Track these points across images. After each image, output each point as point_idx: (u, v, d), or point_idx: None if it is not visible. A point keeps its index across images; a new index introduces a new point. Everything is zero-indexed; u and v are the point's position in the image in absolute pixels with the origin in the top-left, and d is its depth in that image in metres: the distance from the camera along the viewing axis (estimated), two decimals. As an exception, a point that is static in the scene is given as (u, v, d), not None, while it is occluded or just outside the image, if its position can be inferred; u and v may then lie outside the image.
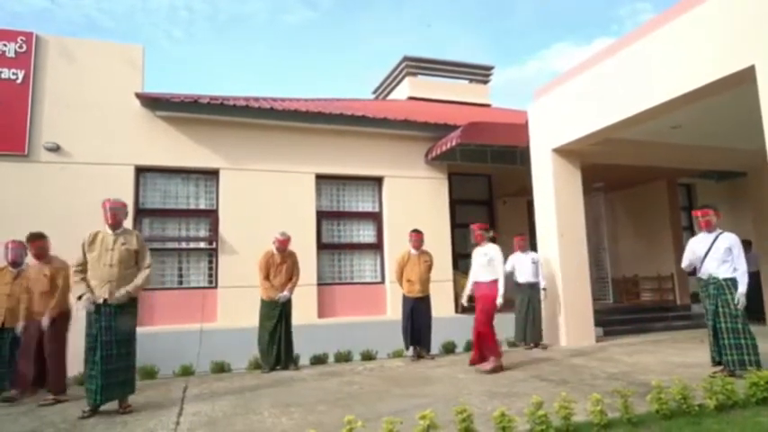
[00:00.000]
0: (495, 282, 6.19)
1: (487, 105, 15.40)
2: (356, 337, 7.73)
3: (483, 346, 6.25)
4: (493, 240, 6.58)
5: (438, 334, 7.45)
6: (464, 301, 6.65)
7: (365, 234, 9.14)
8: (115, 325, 4.71)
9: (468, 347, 7.91)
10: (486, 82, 16.04)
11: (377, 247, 9.07)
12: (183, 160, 8.01)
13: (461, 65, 15.88)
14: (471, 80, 15.93)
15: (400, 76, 15.29)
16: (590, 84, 7.33)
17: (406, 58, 15.00)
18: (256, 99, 9.16)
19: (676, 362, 6.32)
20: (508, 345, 8.06)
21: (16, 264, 5.75)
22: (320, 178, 8.77)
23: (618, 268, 12.05)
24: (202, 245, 8.15)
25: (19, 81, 7.45)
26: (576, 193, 8.22)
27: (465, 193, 11.01)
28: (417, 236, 7.39)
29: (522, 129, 8.77)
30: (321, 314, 8.25)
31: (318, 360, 7.29)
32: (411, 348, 7.28)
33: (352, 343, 7.62)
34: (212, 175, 8.23)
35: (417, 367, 6.71)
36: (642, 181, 11.30)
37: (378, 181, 9.23)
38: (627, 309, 10.72)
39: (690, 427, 3.60)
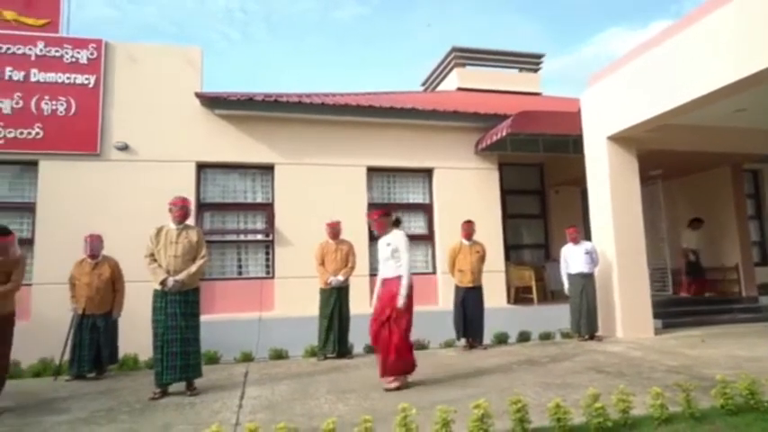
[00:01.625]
0: (401, 279, 5.07)
1: (538, 94, 15.09)
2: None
3: (396, 357, 5.01)
4: (396, 224, 5.41)
5: (490, 324, 7.46)
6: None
7: (416, 225, 9.22)
8: (179, 312, 5.04)
9: (521, 338, 7.89)
10: (536, 70, 15.71)
11: (428, 238, 9.13)
12: (240, 156, 8.33)
13: (511, 54, 15.60)
14: (521, 69, 15.64)
15: (449, 68, 15.19)
16: (647, 68, 7.08)
17: (454, 49, 14.89)
18: (309, 95, 9.38)
19: (743, 356, 6.07)
20: (562, 336, 7.97)
21: (94, 256, 6.21)
22: (371, 171, 8.91)
23: (677, 259, 11.60)
24: (259, 237, 8.47)
25: (91, 85, 7.96)
26: (632, 181, 7.98)
27: (516, 183, 10.90)
28: (469, 226, 7.41)
29: (575, 116, 8.58)
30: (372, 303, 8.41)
31: (371, 349, 7.44)
32: (463, 338, 7.34)
33: (405, 332, 7.73)
34: (268, 169, 8.52)
35: (469, 357, 6.76)
36: (704, 167, 10.79)
37: (428, 173, 9.28)
38: (688, 301, 10.32)
39: (759, 424, 3.46)
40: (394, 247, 5.17)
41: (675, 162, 9.88)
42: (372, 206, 5.34)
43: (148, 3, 74.26)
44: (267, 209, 8.46)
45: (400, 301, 5.03)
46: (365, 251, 8.36)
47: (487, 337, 7.52)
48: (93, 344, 6.03)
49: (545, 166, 11.33)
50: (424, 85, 17.11)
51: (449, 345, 7.62)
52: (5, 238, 4.81)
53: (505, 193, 9.96)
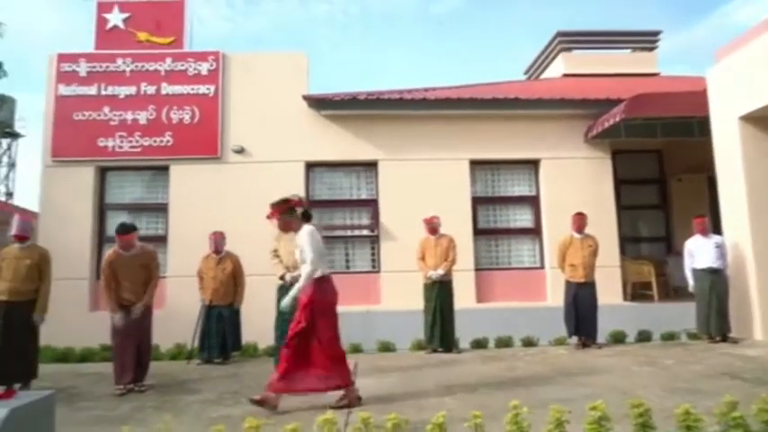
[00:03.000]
0: (321, 279, 4.29)
1: (655, 74, 13.90)
2: (516, 323, 7.65)
3: (329, 370, 4.27)
4: (306, 218, 4.56)
5: (604, 322, 7.05)
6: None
7: (522, 219, 8.95)
8: (296, 305, 5.33)
9: (640, 337, 7.37)
10: (652, 49, 14.47)
11: (535, 231, 8.82)
12: (345, 154, 8.61)
13: (622, 33, 14.50)
14: (634, 49, 14.50)
15: (553, 54, 14.49)
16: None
17: (559, 34, 14.16)
18: (410, 91, 9.45)
19: None
20: (688, 337, 7.33)
21: (218, 251, 6.78)
22: (474, 164, 8.77)
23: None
24: (365, 232, 8.70)
25: (211, 94, 8.65)
26: (771, 165, 7.10)
27: (632, 172, 10.16)
28: (580, 218, 7.06)
29: (699, 96, 7.79)
30: (480, 299, 8.31)
31: (478, 344, 7.38)
32: (575, 336, 7.01)
33: (512, 328, 7.57)
34: (372, 166, 8.72)
35: (582, 356, 6.45)
36: None
37: (534, 164, 8.95)
38: None
39: None
40: (300, 247, 4.35)
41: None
42: (274, 205, 4.68)
43: (258, 15, 79.06)
44: (372, 205, 8.66)
45: (286, 301, 4.29)
46: (469, 245, 8.26)
47: (602, 336, 7.11)
48: (220, 332, 6.60)
49: (664, 153, 10.44)
50: (526, 73, 16.49)
51: (559, 342, 7.32)
52: (127, 235, 5.27)
53: (620, 182, 9.33)
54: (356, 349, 7.33)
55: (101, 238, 8.52)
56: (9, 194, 26.32)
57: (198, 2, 10.21)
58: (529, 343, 7.42)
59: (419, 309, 7.10)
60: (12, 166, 26.58)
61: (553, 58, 14.54)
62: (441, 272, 6.88)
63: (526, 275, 8.63)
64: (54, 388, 3.98)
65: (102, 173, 8.66)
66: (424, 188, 8.41)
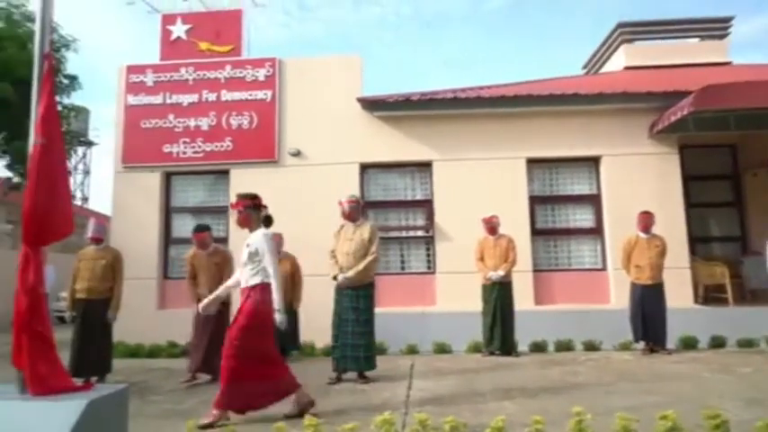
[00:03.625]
0: (264, 287, 4.07)
1: (727, 63, 13.09)
2: (576, 326, 7.41)
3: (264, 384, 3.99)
4: (267, 223, 4.38)
5: (673, 327, 6.70)
6: (200, 308, 4.61)
7: (582, 218, 8.64)
8: (352, 306, 5.40)
9: (714, 343, 6.96)
10: (722, 37, 13.63)
11: (596, 231, 8.49)
12: (399, 155, 8.62)
13: (689, 21, 13.72)
14: (703, 37, 13.70)
15: (614, 46, 13.92)
16: None
17: (620, 25, 13.59)
18: (463, 90, 9.34)
19: None
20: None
21: (277, 252, 6.94)
22: (531, 162, 8.55)
23: None
24: (420, 233, 8.67)
25: (268, 100, 8.89)
26: None
27: (702, 168, 9.61)
28: (646, 217, 6.75)
29: (780, 85, 7.26)
30: (538, 301, 8.09)
31: (537, 347, 7.20)
32: (641, 341, 6.70)
33: (573, 332, 7.34)
34: (426, 167, 8.68)
35: (650, 362, 6.15)
36: None
37: (594, 161, 8.63)
38: None
39: None
40: (253, 249, 4.12)
41: None
42: (242, 195, 4.39)
43: (313, 20, 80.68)
44: (426, 205, 8.62)
45: (278, 316, 4.04)
46: (527, 246, 8.06)
47: (671, 341, 6.76)
48: (278, 331, 6.73)
49: (738, 147, 9.80)
50: (585, 67, 15.93)
51: (624, 347, 7.02)
52: (200, 233, 5.85)
53: (688, 179, 8.82)
54: (412, 350, 7.34)
55: (167, 240, 8.93)
56: (85, 199, 28.07)
57: (255, 10, 10.54)
58: (591, 347, 7.17)
59: (475, 310, 7.00)
60: (86, 172, 28.32)
61: (614, 51, 13.98)
62: (501, 273, 6.76)
63: (587, 277, 8.33)
64: (127, 382, 4.20)
65: (168, 177, 9.07)
66: (480, 188, 8.29)
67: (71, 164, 24.75)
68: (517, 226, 7.87)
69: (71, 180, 27.27)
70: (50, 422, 2.34)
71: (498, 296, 6.77)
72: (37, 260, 2.63)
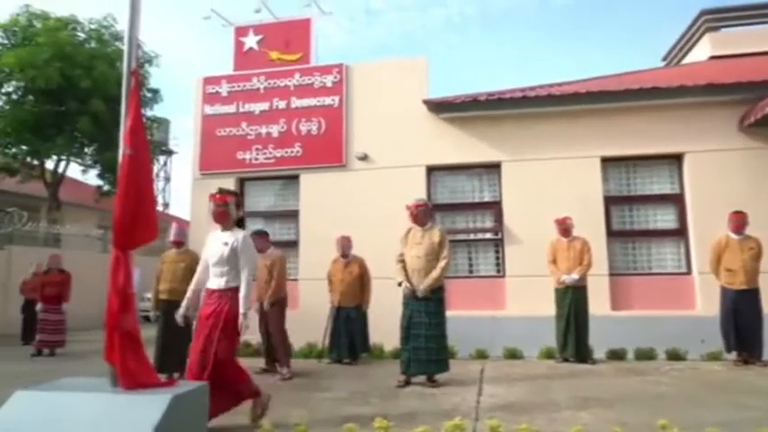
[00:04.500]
0: (236, 291, 3.89)
1: (830, 46, 11.90)
2: (658, 333, 7.00)
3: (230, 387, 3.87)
4: (240, 224, 4.19)
5: (770, 336, 6.16)
6: (179, 318, 4.27)
7: (664, 219, 8.13)
8: (423, 309, 5.37)
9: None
10: (821, 18, 12.42)
11: (679, 233, 7.97)
12: (466, 157, 8.50)
13: (784, 3, 12.62)
14: (801, 20, 12.54)
15: (698, 35, 13.05)
16: None
17: (703, 12, 12.71)
18: (532, 88, 9.08)
19: None
20: None
21: (345, 255, 7.06)
22: (606, 161, 8.17)
23: None
24: (488, 235, 8.51)
25: (336, 105, 9.06)
26: None
27: (801, 163, 8.78)
28: (739, 217, 6.28)
29: None
30: (615, 306, 7.70)
31: (615, 355, 6.87)
32: (734, 351, 6.21)
33: (654, 339, 6.95)
34: (494, 168, 8.51)
35: (744, 374, 5.70)
36: None
37: (677, 158, 8.10)
38: None
39: None
40: (230, 250, 3.94)
41: None
42: (227, 191, 4.25)
43: (378, 25, 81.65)
44: (495, 207, 8.44)
45: (242, 319, 3.84)
46: (602, 248, 7.69)
47: (767, 352, 6.22)
48: (348, 333, 6.86)
49: None
50: (665, 59, 15.05)
51: (714, 357, 6.55)
52: (256, 237, 6.01)
53: (785, 175, 8.08)
54: (481, 355, 7.22)
55: (241, 243, 9.28)
56: (165, 205, 29.84)
57: (322, 18, 10.81)
58: (675, 356, 6.74)
59: (547, 314, 6.78)
60: (167, 179, 30.10)
61: (697, 40, 13.12)
62: (575, 276, 6.52)
63: (670, 281, 7.83)
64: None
65: (242, 183, 9.45)
66: (551, 189, 8.01)
67: (153, 172, 26.43)
68: (591, 227, 7.54)
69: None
70: (139, 414, 2.50)
71: (572, 300, 6.52)
72: (126, 263, 2.81)
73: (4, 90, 14.83)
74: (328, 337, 7.05)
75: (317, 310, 7.42)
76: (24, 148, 15.01)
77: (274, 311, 6.24)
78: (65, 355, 8.52)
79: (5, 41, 15.09)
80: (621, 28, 72.96)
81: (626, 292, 7.80)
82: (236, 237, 4.00)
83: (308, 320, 7.53)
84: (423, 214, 5.58)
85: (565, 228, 6.79)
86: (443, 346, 5.46)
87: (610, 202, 8.12)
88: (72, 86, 14.57)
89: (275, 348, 6.26)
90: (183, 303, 4.18)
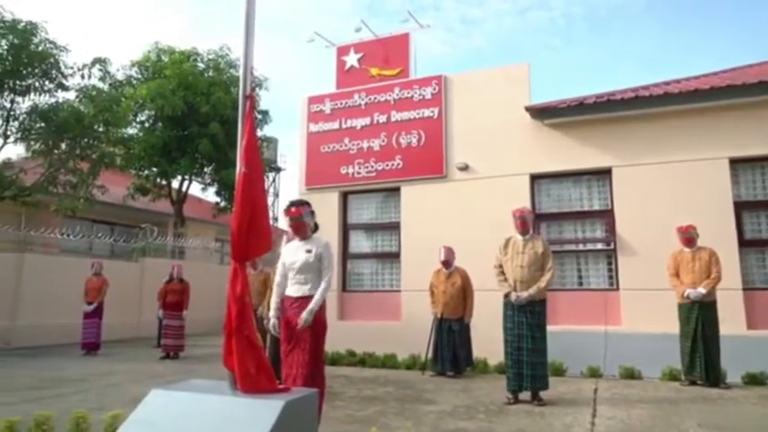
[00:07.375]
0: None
1: None
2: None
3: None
4: (315, 230, 4.35)
5: None
6: (271, 327, 4.26)
7: (806, 226, 7.16)
8: (526, 322, 5.18)
9: None
10: None
11: (828, 242, 6.97)
12: (573, 163, 8.10)
13: None
14: None
15: None
16: None
17: None
18: (645, 87, 8.46)
19: None
20: None
21: (448, 265, 7.00)
22: (736, 163, 7.38)
23: None
24: (599, 246, 8.01)
25: (435, 117, 9.08)
26: None
27: None
28: None
29: None
30: (751, 325, 6.86)
31: (753, 379, 6.12)
32: None
33: (802, 363, 6.09)
34: (604, 174, 8.02)
35: None
36: None
37: (823, 157, 7.12)
38: None
39: None
40: (316, 256, 4.09)
41: None
42: (301, 202, 4.43)
43: (476, 33, 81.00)
44: (606, 215, 7.94)
45: (306, 316, 3.93)
46: (734, 260, 6.92)
47: None
48: (451, 345, 6.77)
49: None
50: (804, 46, 13.37)
51: None
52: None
53: None
54: (594, 373, 6.79)
55: (345, 255, 9.56)
56: (275, 219, 31.62)
57: (420, 31, 10.88)
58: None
59: (668, 332, 6.24)
60: (276, 195, 31.83)
61: None
62: (702, 291, 5.93)
63: (765, 296, 6.86)
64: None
65: (345, 197, 9.75)
66: (670, 195, 7.37)
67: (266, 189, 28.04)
68: (720, 237, 6.82)
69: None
70: (256, 417, 2.63)
71: (699, 317, 5.92)
72: (243, 273, 3.00)
73: (138, 119, 16.63)
74: (432, 350, 7.01)
75: (419, 322, 7.42)
76: (155, 169, 16.69)
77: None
78: (188, 358, 9.25)
79: (139, 76, 16.96)
80: (746, 18, 65.85)
81: (764, 309, 6.94)
82: (318, 243, 4.19)
83: (411, 332, 7.53)
84: (530, 221, 5.43)
85: (688, 237, 6.22)
86: (544, 361, 5.22)
87: (741, 207, 7.31)
88: (193, 112, 16.02)
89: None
90: (272, 313, 4.27)
